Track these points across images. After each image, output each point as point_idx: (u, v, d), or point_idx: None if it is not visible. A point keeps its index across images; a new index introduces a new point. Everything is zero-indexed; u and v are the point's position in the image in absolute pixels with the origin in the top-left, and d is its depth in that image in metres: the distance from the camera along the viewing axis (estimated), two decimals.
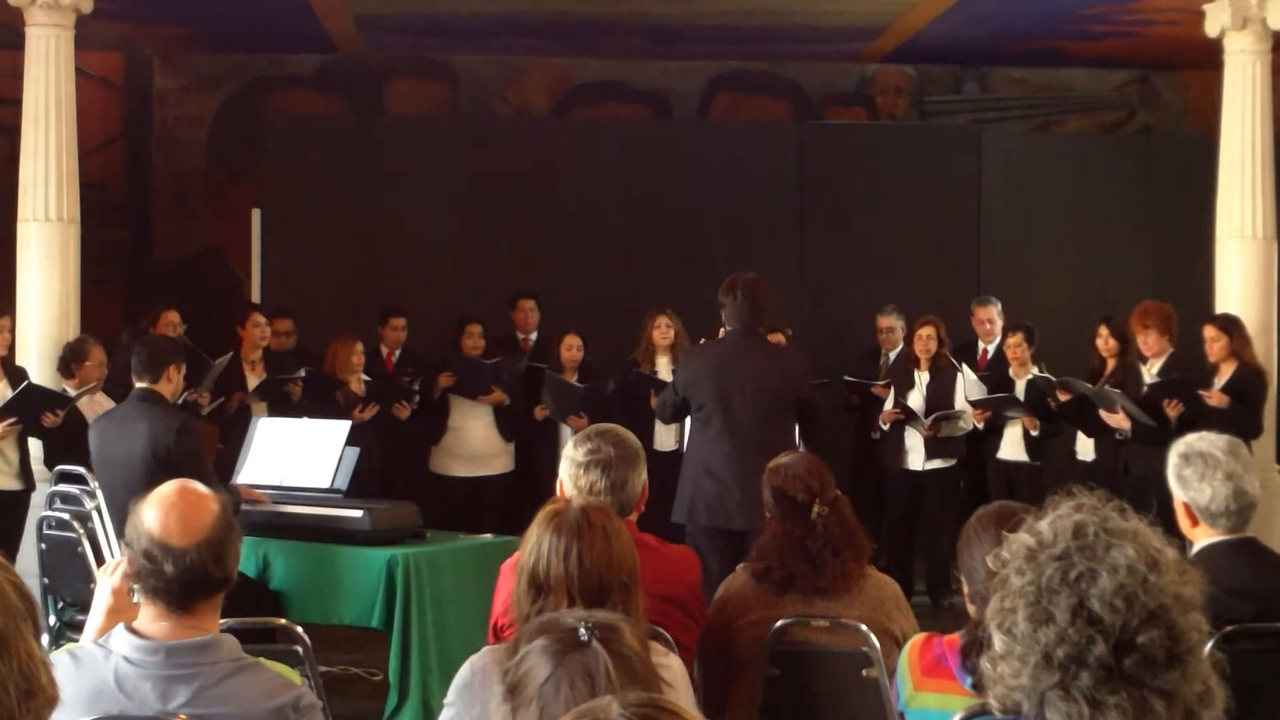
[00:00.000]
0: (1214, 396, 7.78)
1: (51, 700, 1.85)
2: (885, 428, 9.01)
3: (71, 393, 7.57)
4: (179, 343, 7.35)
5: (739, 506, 6.17)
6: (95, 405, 7.41)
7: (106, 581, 2.91)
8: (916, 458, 8.89)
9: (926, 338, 8.87)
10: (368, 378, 8.93)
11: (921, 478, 8.90)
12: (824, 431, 8.91)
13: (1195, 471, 3.54)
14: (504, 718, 2.33)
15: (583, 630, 2.23)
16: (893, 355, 9.53)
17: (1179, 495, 3.59)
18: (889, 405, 8.97)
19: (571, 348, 9.18)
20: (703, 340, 6.95)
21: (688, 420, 6.82)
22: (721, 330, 6.62)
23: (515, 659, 2.32)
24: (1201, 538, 3.60)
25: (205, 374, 8.04)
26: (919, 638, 3.37)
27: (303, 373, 8.80)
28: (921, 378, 8.89)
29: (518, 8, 10.27)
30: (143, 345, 6.47)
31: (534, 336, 9.63)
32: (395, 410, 8.89)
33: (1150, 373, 8.20)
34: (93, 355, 7.74)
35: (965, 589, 3.25)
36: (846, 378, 9.45)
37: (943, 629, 3.39)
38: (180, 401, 6.95)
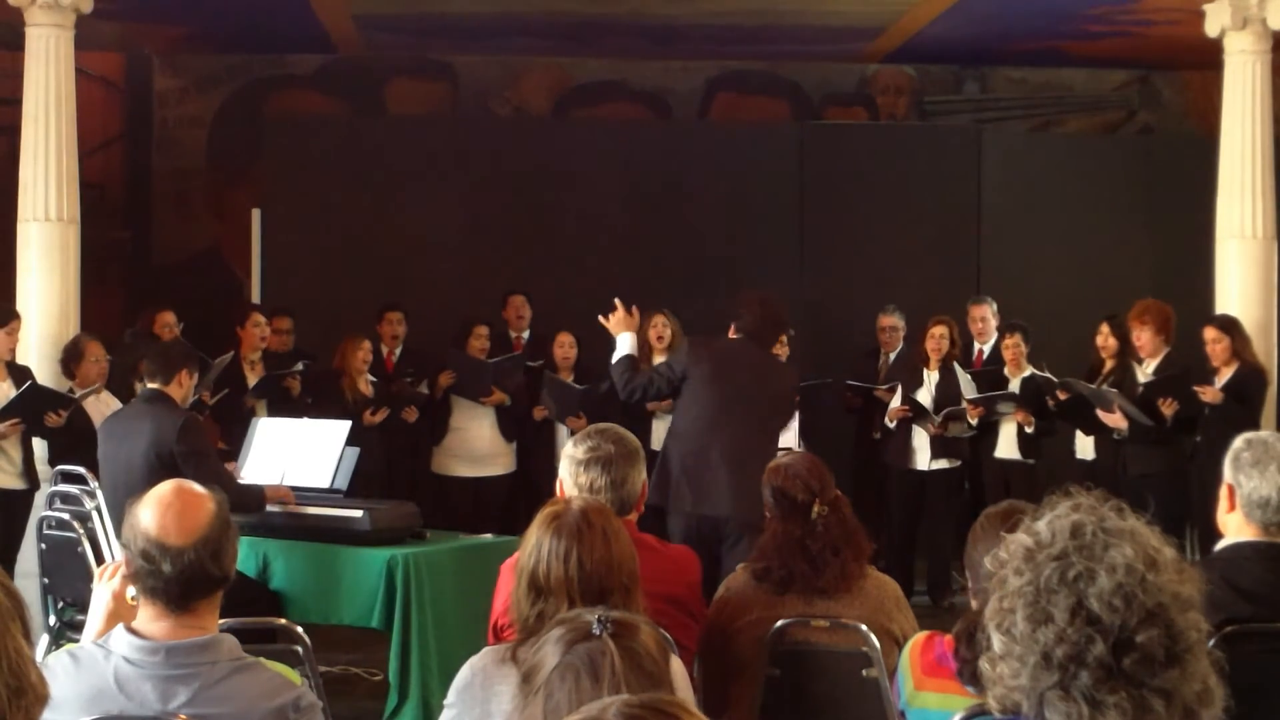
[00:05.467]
0: (1209, 392, 7.77)
1: (42, 698, 1.86)
2: (892, 425, 9.00)
3: (77, 393, 7.57)
4: (192, 349, 7.34)
5: (727, 494, 6.27)
6: (101, 405, 7.41)
7: (105, 586, 2.91)
8: (923, 458, 8.88)
9: (940, 337, 8.86)
10: (372, 379, 8.93)
11: (926, 478, 8.89)
12: (825, 432, 8.95)
13: (1252, 456, 3.45)
14: (514, 706, 2.34)
15: (596, 624, 2.24)
16: (893, 356, 9.53)
17: (1227, 475, 3.50)
18: (896, 403, 8.96)
19: (564, 345, 9.18)
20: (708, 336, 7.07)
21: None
22: (731, 333, 6.74)
23: (533, 648, 2.33)
24: (1233, 530, 3.50)
25: (204, 374, 8.05)
26: (920, 637, 3.36)
27: (300, 366, 8.80)
28: (931, 377, 8.89)
29: (518, 8, 10.27)
30: (156, 348, 6.47)
31: (526, 335, 9.62)
32: (404, 414, 8.90)
33: (1145, 372, 8.20)
34: (90, 352, 7.74)
35: (970, 585, 3.26)
36: (849, 381, 9.45)
37: (943, 629, 3.39)
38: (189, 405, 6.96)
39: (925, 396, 8.84)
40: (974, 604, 3.18)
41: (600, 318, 6.80)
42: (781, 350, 8.79)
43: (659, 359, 8.65)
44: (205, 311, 9.69)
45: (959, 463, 8.91)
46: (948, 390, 8.81)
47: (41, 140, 8.39)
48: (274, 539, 6.18)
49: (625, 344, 6.73)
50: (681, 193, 10.97)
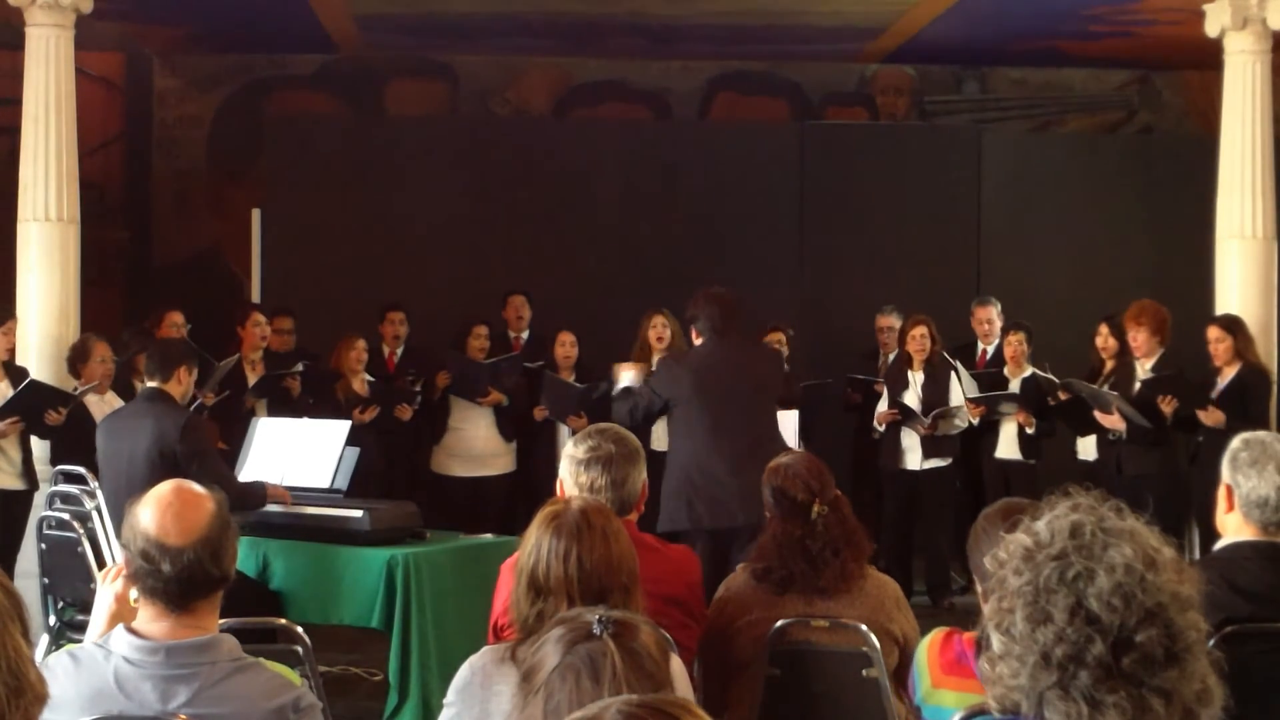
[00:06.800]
0: (1211, 416, 7.71)
1: (41, 698, 1.86)
2: (881, 429, 9.00)
3: (78, 390, 7.56)
4: (191, 346, 7.34)
5: (737, 501, 6.21)
6: (105, 405, 7.40)
7: (108, 587, 2.91)
8: (914, 458, 8.88)
9: (920, 337, 8.86)
10: (371, 378, 8.93)
11: (918, 477, 8.88)
12: (824, 431, 8.94)
13: (1250, 455, 3.46)
14: (514, 705, 2.35)
15: (596, 624, 2.24)
16: (891, 356, 9.52)
17: (1225, 476, 3.51)
18: (883, 406, 8.96)
19: (565, 344, 9.17)
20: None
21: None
22: (695, 338, 6.78)
23: (533, 647, 2.34)
24: (1232, 530, 3.50)
25: (209, 375, 8.05)
26: (939, 633, 3.35)
27: (299, 367, 8.79)
28: (916, 377, 8.88)
29: (518, 8, 10.27)
30: (155, 346, 6.46)
31: (526, 335, 9.62)
32: (397, 412, 8.89)
33: (1145, 369, 8.19)
34: (96, 352, 7.74)
35: (978, 586, 3.26)
36: (850, 375, 9.44)
37: (943, 628, 3.38)
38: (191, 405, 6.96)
39: (913, 397, 8.85)
40: (984, 605, 3.17)
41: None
42: (782, 348, 8.80)
43: (658, 359, 8.65)
44: (205, 311, 9.69)
45: (949, 461, 8.91)
46: (935, 389, 8.81)
47: (41, 140, 8.39)
48: (274, 539, 6.18)
49: (626, 379, 6.83)
50: (681, 193, 10.97)
